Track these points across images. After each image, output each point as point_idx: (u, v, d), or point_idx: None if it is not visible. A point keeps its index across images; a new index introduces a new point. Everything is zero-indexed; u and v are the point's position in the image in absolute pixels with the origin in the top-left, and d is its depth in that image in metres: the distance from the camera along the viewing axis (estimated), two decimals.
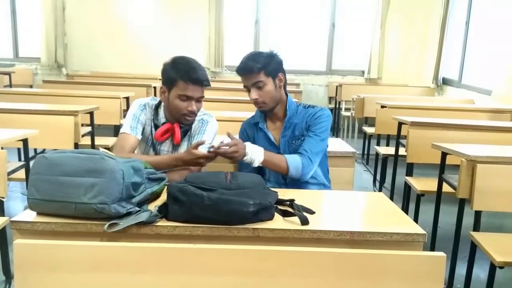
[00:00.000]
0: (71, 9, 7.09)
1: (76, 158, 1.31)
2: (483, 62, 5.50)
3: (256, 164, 1.84)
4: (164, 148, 2.04)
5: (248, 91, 1.99)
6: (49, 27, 6.93)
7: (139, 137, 1.97)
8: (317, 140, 1.97)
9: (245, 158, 1.81)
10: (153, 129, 2.00)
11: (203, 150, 1.84)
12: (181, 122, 1.96)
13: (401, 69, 7.18)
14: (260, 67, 1.94)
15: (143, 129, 2.01)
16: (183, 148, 2.02)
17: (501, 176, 2.18)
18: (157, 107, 2.02)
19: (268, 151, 1.91)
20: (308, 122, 2.01)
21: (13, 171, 2.65)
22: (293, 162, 1.91)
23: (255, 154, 1.83)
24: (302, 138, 2.00)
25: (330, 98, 7.33)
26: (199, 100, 1.93)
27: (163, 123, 1.98)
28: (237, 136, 1.99)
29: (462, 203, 2.28)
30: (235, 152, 1.79)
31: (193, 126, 2.04)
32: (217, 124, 2.08)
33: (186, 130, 2.01)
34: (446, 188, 2.52)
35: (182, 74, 1.86)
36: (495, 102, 4.70)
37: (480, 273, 2.61)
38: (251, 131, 2.13)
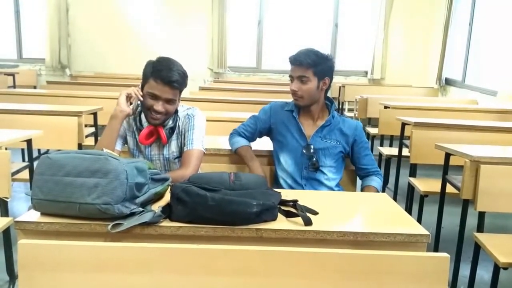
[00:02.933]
0: (74, 10, 7.11)
1: (80, 158, 1.32)
2: (486, 63, 5.49)
3: None
4: (155, 152, 2.03)
5: (290, 80, 2.10)
6: (53, 28, 6.95)
7: (119, 148, 1.98)
8: (371, 153, 2.20)
9: None
10: (137, 136, 2.00)
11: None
12: (149, 121, 1.94)
13: (404, 70, 7.17)
14: (310, 64, 2.02)
15: (125, 140, 2.03)
16: (172, 147, 2.02)
17: (505, 177, 2.17)
18: (139, 113, 2.00)
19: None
20: (355, 136, 2.14)
21: (17, 171, 2.65)
22: (378, 185, 2.13)
23: None
24: (337, 143, 2.12)
25: (333, 99, 7.32)
26: (169, 102, 1.88)
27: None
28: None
29: (465, 204, 2.27)
30: None
31: (180, 123, 2.01)
32: (203, 115, 2.05)
33: (172, 128, 1.98)
34: (449, 189, 2.52)
35: (153, 71, 1.85)
36: (499, 102, 4.68)
37: (484, 274, 2.61)
38: (280, 115, 2.18)
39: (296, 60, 2.03)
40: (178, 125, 2.01)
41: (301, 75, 2.03)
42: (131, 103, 1.95)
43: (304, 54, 2.03)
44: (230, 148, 2.23)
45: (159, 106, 1.87)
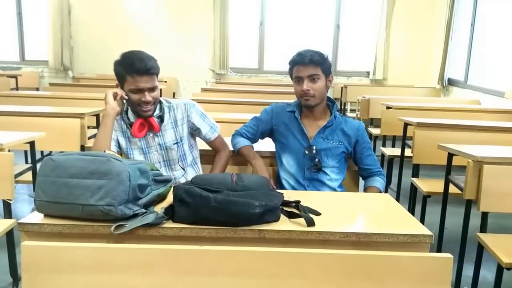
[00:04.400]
0: (77, 12, 7.13)
1: (82, 160, 1.32)
2: (489, 63, 5.48)
3: None
4: (150, 144, 2.05)
5: (297, 82, 2.08)
6: (55, 30, 6.97)
7: (114, 149, 1.99)
8: (373, 153, 2.19)
9: None
10: (129, 134, 2.02)
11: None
12: (141, 115, 1.97)
13: (406, 70, 7.16)
14: (320, 61, 2.04)
15: (118, 142, 2.04)
16: (168, 136, 2.04)
17: (508, 177, 2.17)
18: (126, 111, 2.04)
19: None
20: (357, 136, 2.14)
21: (20, 173, 2.66)
22: (381, 186, 2.13)
23: None
24: (339, 144, 2.11)
25: (335, 99, 7.32)
26: (152, 89, 1.93)
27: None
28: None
29: (468, 204, 2.27)
30: None
31: (176, 113, 2.06)
32: None
33: (160, 116, 2.02)
34: (452, 189, 2.51)
35: (126, 68, 1.88)
36: (502, 103, 4.67)
37: (487, 274, 2.60)
38: (282, 116, 2.18)
39: (305, 59, 2.02)
40: (172, 114, 2.05)
41: (312, 74, 2.03)
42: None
43: (310, 52, 2.03)
44: (232, 149, 2.24)
45: (146, 97, 1.91)
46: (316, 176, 2.09)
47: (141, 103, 1.92)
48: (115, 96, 1.95)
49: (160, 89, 2.27)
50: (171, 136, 2.05)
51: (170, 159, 2.07)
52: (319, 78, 2.04)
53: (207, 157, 2.24)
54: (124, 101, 1.99)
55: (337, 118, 2.15)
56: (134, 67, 1.86)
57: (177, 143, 2.06)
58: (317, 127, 2.13)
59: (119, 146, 2.05)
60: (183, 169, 2.10)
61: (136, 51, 1.93)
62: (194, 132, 2.14)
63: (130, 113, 2.03)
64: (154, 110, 2.00)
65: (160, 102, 2.05)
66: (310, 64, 2.02)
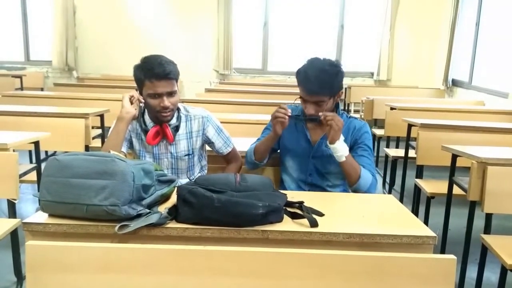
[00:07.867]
0: (81, 13, 7.15)
1: (87, 160, 1.33)
2: (493, 63, 5.45)
3: (341, 157, 1.89)
4: (162, 151, 2.04)
5: (304, 101, 1.97)
6: (60, 31, 6.99)
7: (124, 150, 1.99)
8: (371, 156, 2.05)
9: (336, 144, 1.87)
10: (143, 136, 2.01)
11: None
12: (160, 120, 1.96)
13: (410, 71, 7.14)
14: (330, 92, 1.92)
15: (130, 142, 2.04)
16: (181, 146, 2.04)
17: None
18: (142, 114, 2.01)
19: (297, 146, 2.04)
20: (355, 136, 2.04)
21: (25, 173, 2.67)
22: (365, 175, 1.95)
23: (344, 147, 1.90)
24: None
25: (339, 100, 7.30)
26: (171, 94, 1.90)
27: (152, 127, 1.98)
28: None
29: (472, 206, 2.26)
30: (338, 122, 1.84)
31: (192, 124, 2.04)
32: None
33: (176, 127, 2.00)
34: (456, 190, 2.51)
35: (145, 73, 1.86)
36: (507, 104, 4.65)
37: (491, 276, 2.59)
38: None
39: (311, 91, 1.90)
40: (189, 125, 2.04)
41: (318, 101, 1.92)
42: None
43: (319, 82, 1.87)
44: (249, 166, 2.15)
45: (165, 102, 1.88)
46: (317, 182, 2.06)
47: (160, 109, 1.90)
48: (131, 99, 1.93)
49: None
50: (184, 147, 2.04)
51: (179, 168, 2.07)
52: (326, 103, 1.92)
53: (212, 158, 2.24)
54: (141, 104, 1.96)
55: (344, 121, 2.05)
56: (152, 72, 1.84)
57: (188, 154, 2.06)
58: (321, 132, 2.05)
59: (131, 146, 2.05)
60: (189, 179, 2.09)
61: (155, 55, 1.90)
62: (208, 144, 2.14)
63: (146, 117, 2.01)
64: (173, 116, 1.99)
65: (178, 110, 2.03)
66: (316, 95, 1.91)
